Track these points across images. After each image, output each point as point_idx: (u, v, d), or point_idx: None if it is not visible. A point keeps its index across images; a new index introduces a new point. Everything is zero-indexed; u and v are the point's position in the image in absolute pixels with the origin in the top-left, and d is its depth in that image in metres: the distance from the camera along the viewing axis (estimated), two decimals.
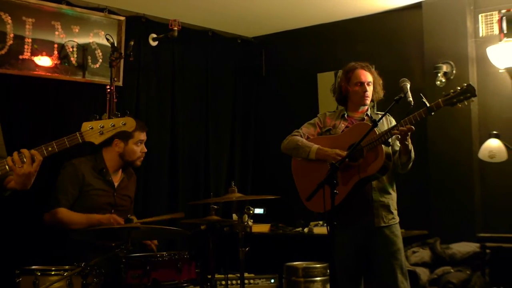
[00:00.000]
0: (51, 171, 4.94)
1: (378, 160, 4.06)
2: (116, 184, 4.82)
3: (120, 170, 4.89)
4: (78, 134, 3.32)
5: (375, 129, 3.92)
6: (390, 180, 4.34)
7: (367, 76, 4.40)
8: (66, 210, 4.58)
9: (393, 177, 4.37)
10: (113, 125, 3.36)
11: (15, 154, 3.31)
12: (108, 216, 4.57)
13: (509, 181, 5.64)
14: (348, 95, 4.46)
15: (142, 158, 4.89)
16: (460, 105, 3.95)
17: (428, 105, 3.94)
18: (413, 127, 3.95)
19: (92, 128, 3.33)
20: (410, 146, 4.09)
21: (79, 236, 4.35)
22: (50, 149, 3.30)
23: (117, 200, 4.78)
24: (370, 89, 4.41)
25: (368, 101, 4.43)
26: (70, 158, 4.82)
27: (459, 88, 3.95)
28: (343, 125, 4.42)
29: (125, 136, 4.72)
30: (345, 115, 4.46)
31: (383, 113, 4.00)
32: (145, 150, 4.88)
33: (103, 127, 3.34)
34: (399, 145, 4.23)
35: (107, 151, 4.80)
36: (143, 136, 4.84)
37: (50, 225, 4.61)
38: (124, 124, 3.39)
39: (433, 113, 3.98)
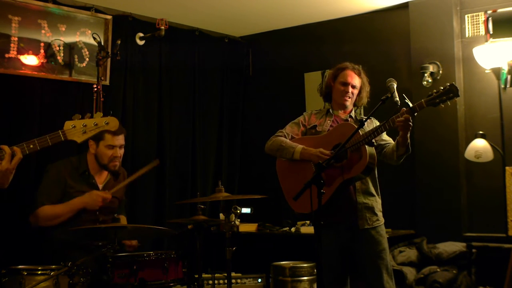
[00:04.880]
0: (37, 172, 4.92)
1: (362, 161, 4.05)
2: (100, 185, 4.79)
3: (106, 173, 4.86)
4: (60, 132, 3.32)
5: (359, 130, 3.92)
6: (374, 181, 4.35)
7: (354, 79, 4.40)
8: (48, 206, 4.54)
9: (377, 179, 4.38)
10: (96, 124, 3.37)
11: None
12: (89, 194, 4.53)
13: (495, 181, 5.66)
14: (331, 92, 4.47)
15: (116, 163, 4.76)
16: (443, 106, 3.92)
17: (411, 105, 3.93)
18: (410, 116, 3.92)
19: (74, 126, 3.34)
20: (408, 140, 4.08)
21: (65, 236, 4.34)
22: (31, 146, 3.28)
23: None
24: (352, 92, 4.41)
25: (347, 103, 4.42)
26: (56, 161, 4.81)
27: (442, 88, 3.92)
28: (328, 122, 4.41)
29: (96, 137, 4.63)
30: (330, 111, 4.46)
31: (368, 116, 4.00)
32: (118, 155, 4.75)
33: (85, 126, 3.35)
34: (385, 139, 4.24)
35: (89, 153, 4.78)
36: (116, 140, 4.71)
37: (36, 227, 4.57)
38: (107, 124, 3.40)
39: (416, 114, 3.97)
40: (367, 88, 4.47)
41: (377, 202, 4.34)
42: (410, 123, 3.94)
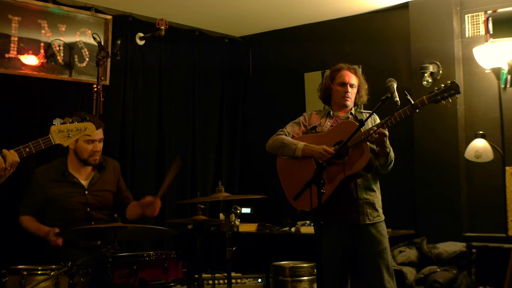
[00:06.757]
0: None
1: (364, 157, 4.07)
2: (85, 182, 4.76)
3: (90, 168, 4.83)
4: (50, 137, 3.50)
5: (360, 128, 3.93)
6: (375, 177, 4.35)
7: (351, 78, 4.41)
8: (26, 218, 4.65)
9: (377, 175, 4.38)
10: (78, 130, 3.59)
11: None
12: (51, 231, 4.49)
13: (495, 181, 5.66)
14: (330, 94, 4.48)
15: (96, 157, 4.73)
16: (444, 102, 3.98)
17: (412, 102, 3.96)
18: (386, 131, 3.99)
19: (61, 131, 3.54)
20: (389, 149, 4.13)
21: (65, 236, 4.33)
22: (27, 150, 3.44)
23: (90, 198, 4.71)
24: (352, 91, 4.41)
25: (348, 103, 4.43)
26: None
27: (443, 85, 3.98)
28: (328, 123, 4.42)
29: None
30: (331, 113, 4.47)
31: (368, 111, 4.01)
32: (98, 149, 4.73)
33: (70, 130, 3.55)
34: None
35: (69, 152, 4.77)
36: (95, 134, 4.61)
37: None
38: (86, 129, 3.62)
39: (417, 110, 4.01)
40: (365, 86, 4.49)
41: (377, 198, 4.34)
42: (385, 136, 4.00)
